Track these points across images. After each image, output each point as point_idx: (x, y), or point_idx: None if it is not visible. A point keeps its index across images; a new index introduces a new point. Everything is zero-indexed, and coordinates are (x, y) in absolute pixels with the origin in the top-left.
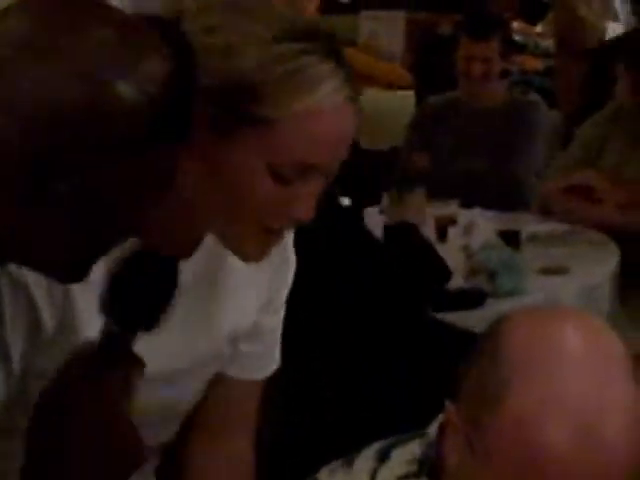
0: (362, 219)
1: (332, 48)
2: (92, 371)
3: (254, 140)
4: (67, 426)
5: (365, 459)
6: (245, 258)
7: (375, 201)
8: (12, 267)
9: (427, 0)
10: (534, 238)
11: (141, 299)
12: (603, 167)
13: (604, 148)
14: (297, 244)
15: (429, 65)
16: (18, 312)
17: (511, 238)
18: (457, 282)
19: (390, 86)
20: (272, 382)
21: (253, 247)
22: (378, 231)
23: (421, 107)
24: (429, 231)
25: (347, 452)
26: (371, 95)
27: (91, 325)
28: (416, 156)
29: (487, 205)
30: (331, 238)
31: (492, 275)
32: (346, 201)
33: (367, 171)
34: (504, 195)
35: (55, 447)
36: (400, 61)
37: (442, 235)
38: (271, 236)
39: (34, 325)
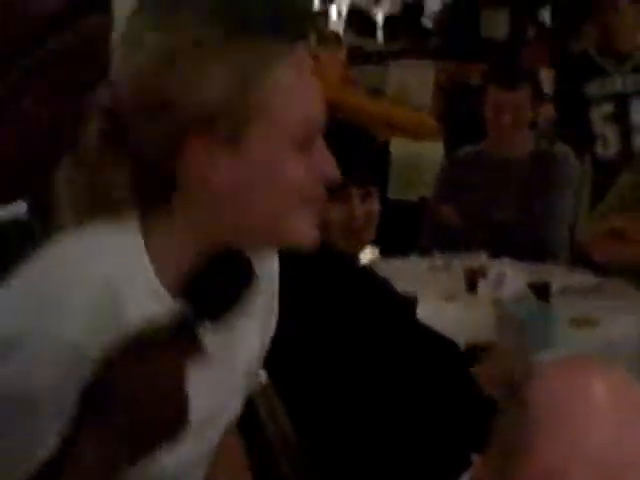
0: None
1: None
2: (151, 351)
3: (261, 131)
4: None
5: None
6: (302, 238)
7: (403, 251)
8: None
9: (457, 50)
10: (564, 290)
11: (219, 287)
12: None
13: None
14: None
15: (458, 115)
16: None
17: (541, 290)
18: (488, 335)
19: (419, 136)
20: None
21: (304, 224)
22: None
23: (449, 159)
24: (458, 282)
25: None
26: (400, 145)
27: None
28: (444, 210)
29: (516, 257)
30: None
31: (523, 328)
32: (375, 252)
33: (395, 221)
34: (533, 247)
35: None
36: (429, 111)
37: (471, 286)
38: (313, 209)
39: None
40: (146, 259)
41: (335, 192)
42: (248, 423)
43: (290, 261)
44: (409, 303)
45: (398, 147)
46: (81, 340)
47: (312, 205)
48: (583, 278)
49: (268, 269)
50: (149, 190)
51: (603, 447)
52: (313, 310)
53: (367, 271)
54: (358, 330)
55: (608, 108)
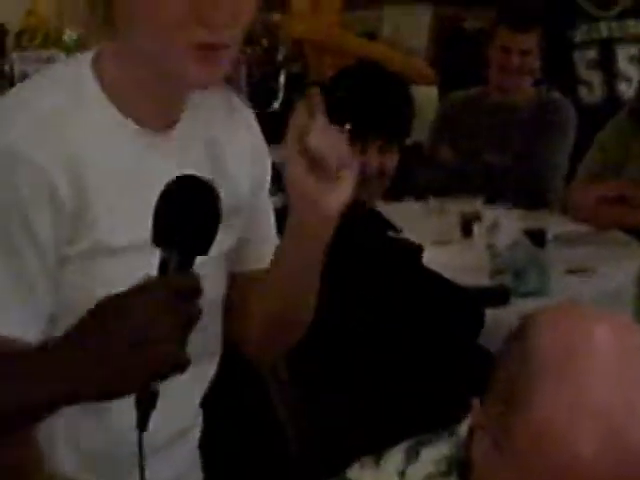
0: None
1: None
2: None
3: None
4: None
5: (394, 458)
6: (191, 80)
7: (397, 195)
8: (26, 151)
9: None
10: (559, 238)
11: (190, 223)
12: (630, 173)
13: (628, 153)
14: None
15: (453, 60)
16: (39, 194)
17: (537, 237)
18: (482, 280)
19: (413, 81)
20: (306, 376)
21: (194, 68)
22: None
23: (446, 101)
24: (453, 227)
25: (376, 449)
26: None
27: (105, 217)
28: (441, 149)
29: (509, 201)
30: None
31: (518, 274)
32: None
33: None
34: (529, 193)
35: None
36: (423, 56)
37: (467, 231)
38: (206, 54)
39: (55, 206)
40: (96, 85)
41: (354, 143)
42: (260, 404)
43: None
44: (415, 249)
45: None
46: (26, 150)
47: (204, 49)
48: (578, 226)
49: (238, 120)
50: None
51: (606, 397)
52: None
53: (374, 216)
54: (365, 274)
55: (593, 54)
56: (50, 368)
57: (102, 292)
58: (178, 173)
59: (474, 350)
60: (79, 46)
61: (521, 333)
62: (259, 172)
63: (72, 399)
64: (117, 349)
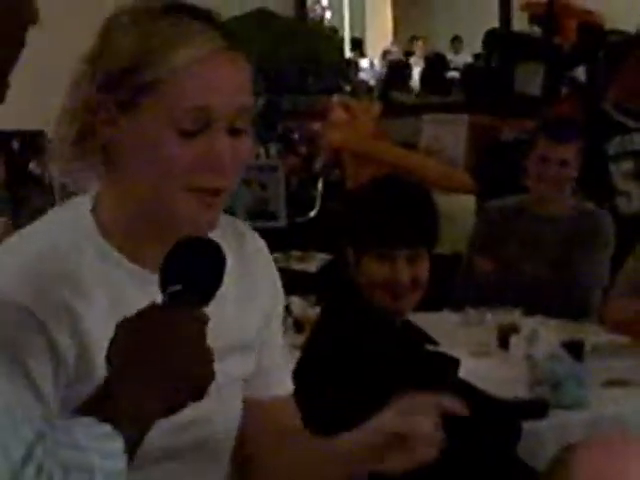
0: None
1: (199, 12)
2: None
3: (153, 105)
4: None
5: None
6: (187, 225)
7: (436, 306)
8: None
9: (489, 104)
10: (597, 349)
11: (196, 270)
12: None
13: None
14: None
15: (491, 170)
16: (41, 349)
17: (575, 349)
18: (520, 392)
19: (453, 190)
20: None
21: (191, 212)
22: None
23: (485, 210)
24: (491, 339)
25: None
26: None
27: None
28: (479, 260)
29: (549, 313)
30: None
31: (556, 387)
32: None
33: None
34: (567, 304)
35: None
36: (462, 165)
37: (504, 343)
38: (206, 197)
39: (56, 361)
40: (92, 226)
41: (382, 253)
42: None
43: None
44: (452, 363)
45: None
46: (23, 300)
47: (203, 193)
48: (616, 337)
49: (250, 250)
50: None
51: None
52: (353, 365)
53: (410, 328)
54: (399, 386)
55: (628, 165)
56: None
57: None
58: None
59: (512, 463)
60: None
61: (561, 464)
62: (271, 303)
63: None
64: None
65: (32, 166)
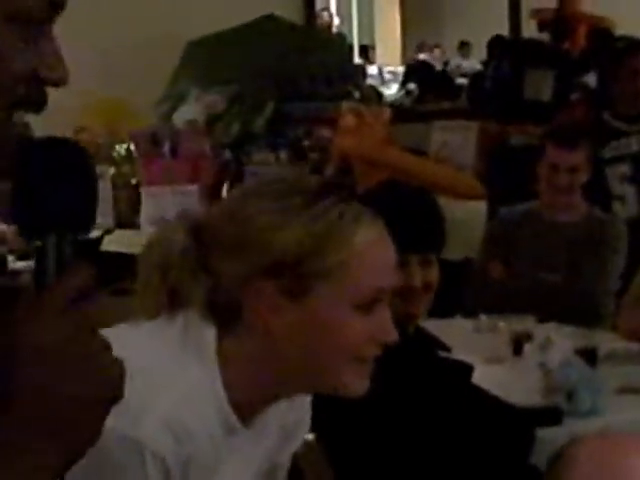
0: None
1: (349, 193)
2: None
3: (328, 289)
4: None
5: None
6: (349, 392)
7: (447, 312)
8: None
9: (499, 110)
10: (611, 356)
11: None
12: None
13: None
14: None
15: (500, 175)
16: None
17: (588, 356)
18: (534, 399)
19: (463, 196)
20: None
21: (354, 380)
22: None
23: (496, 217)
24: (504, 345)
25: None
26: (441, 204)
27: None
28: (492, 267)
29: (563, 319)
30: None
31: (570, 394)
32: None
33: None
34: (580, 311)
35: None
36: (471, 171)
37: (518, 350)
38: (365, 365)
39: None
40: (220, 387)
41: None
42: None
43: None
44: (465, 369)
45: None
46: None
47: (366, 362)
48: (629, 344)
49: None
50: (219, 312)
51: None
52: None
53: (423, 335)
54: (414, 395)
55: (624, 168)
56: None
57: None
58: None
59: (526, 470)
60: (128, 160)
61: (563, 456)
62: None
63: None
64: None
65: None
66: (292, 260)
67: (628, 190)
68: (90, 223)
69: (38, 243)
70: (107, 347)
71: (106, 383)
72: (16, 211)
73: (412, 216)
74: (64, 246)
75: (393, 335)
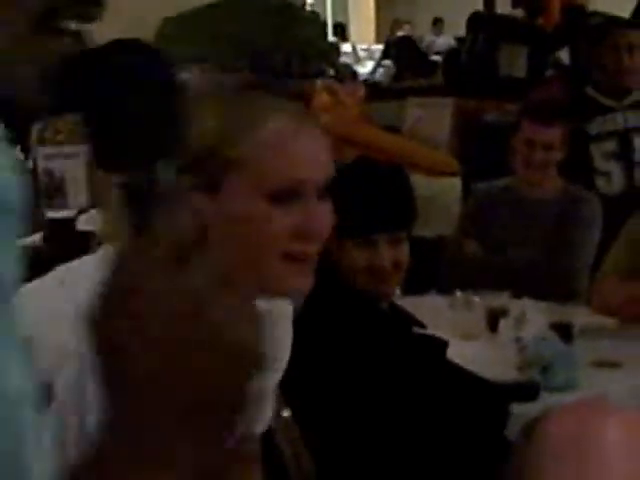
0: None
1: (277, 89)
2: None
3: (241, 180)
4: None
5: None
6: (287, 290)
7: (422, 289)
8: None
9: (473, 86)
10: (586, 331)
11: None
12: None
13: None
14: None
15: (475, 152)
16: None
17: (563, 331)
18: (509, 374)
19: (438, 174)
20: None
21: (289, 278)
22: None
23: (473, 194)
24: (479, 321)
25: None
26: (416, 181)
27: None
28: (467, 243)
29: (537, 295)
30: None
31: (545, 369)
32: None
33: (413, 258)
34: (555, 286)
35: None
36: (446, 147)
37: (493, 326)
38: (300, 264)
39: None
40: None
41: (364, 239)
42: (267, 454)
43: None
44: (440, 345)
45: (414, 184)
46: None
47: (300, 260)
48: (604, 319)
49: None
50: None
51: None
52: (342, 350)
53: (397, 311)
54: (389, 371)
55: (611, 145)
56: None
57: None
58: None
59: (502, 445)
60: None
61: (537, 424)
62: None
63: None
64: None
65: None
66: (203, 151)
67: (614, 167)
68: (180, 145)
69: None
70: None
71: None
72: (93, 143)
73: (380, 196)
74: (160, 176)
75: (319, 229)
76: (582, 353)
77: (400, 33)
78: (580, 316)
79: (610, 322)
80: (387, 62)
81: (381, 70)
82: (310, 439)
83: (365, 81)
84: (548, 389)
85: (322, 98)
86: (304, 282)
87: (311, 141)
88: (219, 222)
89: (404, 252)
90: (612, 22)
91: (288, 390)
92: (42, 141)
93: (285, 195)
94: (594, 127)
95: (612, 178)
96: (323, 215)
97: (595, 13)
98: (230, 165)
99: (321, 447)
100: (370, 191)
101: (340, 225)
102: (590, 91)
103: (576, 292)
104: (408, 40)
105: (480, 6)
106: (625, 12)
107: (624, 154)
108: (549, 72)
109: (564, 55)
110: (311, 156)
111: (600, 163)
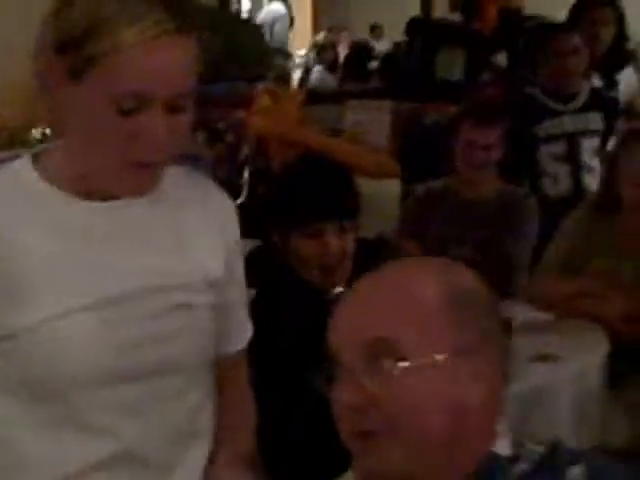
0: None
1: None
2: None
3: (95, 79)
4: None
5: None
6: (122, 192)
7: None
8: None
9: (411, 90)
10: (523, 326)
11: None
12: (594, 266)
13: (591, 245)
14: None
15: (414, 154)
16: None
17: (502, 325)
18: None
19: (379, 175)
20: None
21: (127, 181)
22: None
23: (413, 196)
24: None
25: None
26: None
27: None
28: (406, 244)
29: None
30: None
31: None
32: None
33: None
34: (494, 283)
35: None
36: (386, 150)
37: None
38: (142, 170)
39: None
40: (30, 173)
41: (311, 228)
42: None
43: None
44: None
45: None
46: None
47: (141, 167)
48: (541, 314)
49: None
50: None
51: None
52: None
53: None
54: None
55: (558, 147)
56: None
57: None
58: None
59: None
60: (45, 143)
61: None
62: (231, 263)
63: None
64: None
65: None
66: (72, 38)
67: (561, 169)
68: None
69: None
70: None
71: None
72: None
73: (326, 186)
74: None
75: (153, 141)
76: (521, 348)
77: (344, 39)
78: (517, 312)
79: (547, 316)
80: (318, 67)
81: (315, 76)
82: None
83: (300, 85)
84: None
85: (263, 101)
86: (141, 183)
87: (166, 53)
88: (71, 108)
89: (350, 241)
90: (552, 26)
91: None
92: None
93: (129, 104)
94: (543, 129)
95: (559, 180)
96: (166, 126)
97: (531, 16)
98: (90, 60)
99: None
100: (316, 182)
101: (287, 216)
102: (536, 94)
103: (513, 289)
104: (357, 45)
105: (417, 11)
106: (559, 14)
107: (571, 157)
108: (486, 75)
109: (500, 58)
110: (161, 68)
111: (547, 165)
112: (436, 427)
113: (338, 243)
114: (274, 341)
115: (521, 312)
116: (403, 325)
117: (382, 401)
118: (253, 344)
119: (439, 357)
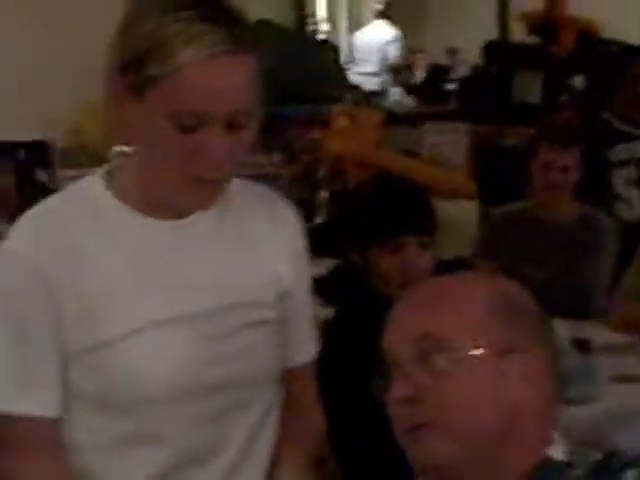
0: None
1: (211, 13)
2: None
3: (156, 97)
4: None
5: None
6: (186, 206)
7: None
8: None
9: (489, 112)
10: (603, 348)
11: None
12: None
13: None
14: None
15: (492, 176)
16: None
17: (582, 346)
18: None
19: (456, 197)
20: None
21: (190, 195)
22: None
23: (491, 220)
24: None
25: None
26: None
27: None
28: (483, 266)
29: (554, 315)
30: None
31: (564, 381)
32: None
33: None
34: (572, 306)
35: None
36: (463, 172)
37: None
38: (203, 185)
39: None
40: (102, 190)
41: (393, 243)
42: None
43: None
44: None
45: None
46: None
47: (202, 185)
48: (620, 336)
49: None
50: None
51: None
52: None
53: None
54: None
55: (631, 172)
56: None
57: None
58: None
59: None
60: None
61: None
62: (299, 274)
63: None
64: None
65: (38, 173)
66: (134, 59)
67: (633, 193)
68: None
69: None
70: None
71: None
72: None
73: (404, 200)
74: None
75: (213, 159)
76: (601, 368)
77: (419, 61)
78: (598, 334)
79: (626, 339)
80: (395, 89)
81: (392, 98)
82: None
83: (377, 106)
84: (567, 402)
85: (340, 122)
86: (205, 199)
87: (225, 72)
88: (140, 127)
89: (429, 258)
90: (631, 50)
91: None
92: (65, 164)
93: (189, 122)
94: (616, 154)
95: (632, 204)
96: (226, 143)
97: (611, 41)
98: (150, 80)
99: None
100: (394, 198)
101: (367, 232)
102: (610, 118)
103: (593, 312)
104: (434, 68)
105: (494, 34)
106: (638, 38)
107: None
108: (563, 98)
109: (578, 81)
110: (218, 88)
111: (621, 189)
112: (486, 424)
113: (418, 259)
114: (353, 356)
115: (600, 334)
116: (452, 321)
117: (432, 394)
118: (330, 359)
119: (487, 353)
